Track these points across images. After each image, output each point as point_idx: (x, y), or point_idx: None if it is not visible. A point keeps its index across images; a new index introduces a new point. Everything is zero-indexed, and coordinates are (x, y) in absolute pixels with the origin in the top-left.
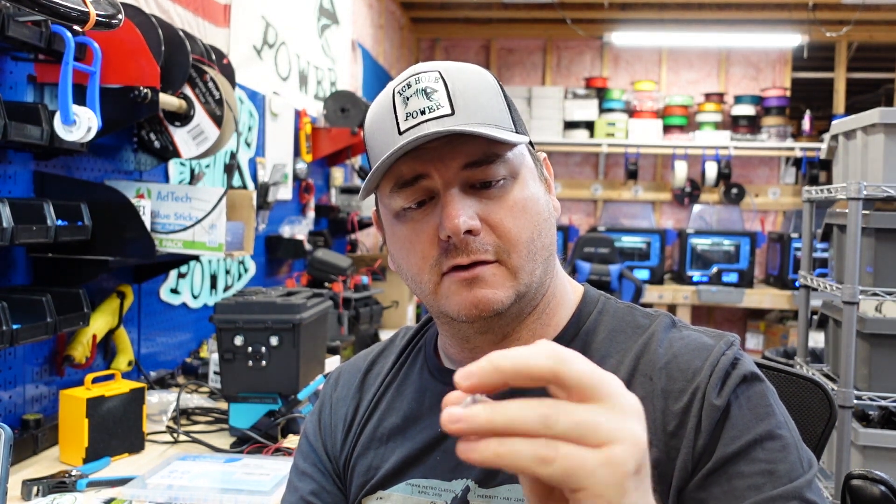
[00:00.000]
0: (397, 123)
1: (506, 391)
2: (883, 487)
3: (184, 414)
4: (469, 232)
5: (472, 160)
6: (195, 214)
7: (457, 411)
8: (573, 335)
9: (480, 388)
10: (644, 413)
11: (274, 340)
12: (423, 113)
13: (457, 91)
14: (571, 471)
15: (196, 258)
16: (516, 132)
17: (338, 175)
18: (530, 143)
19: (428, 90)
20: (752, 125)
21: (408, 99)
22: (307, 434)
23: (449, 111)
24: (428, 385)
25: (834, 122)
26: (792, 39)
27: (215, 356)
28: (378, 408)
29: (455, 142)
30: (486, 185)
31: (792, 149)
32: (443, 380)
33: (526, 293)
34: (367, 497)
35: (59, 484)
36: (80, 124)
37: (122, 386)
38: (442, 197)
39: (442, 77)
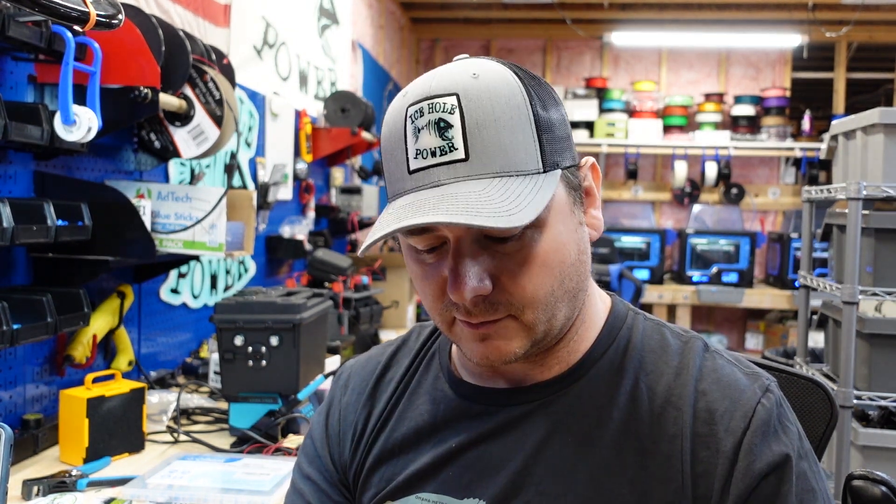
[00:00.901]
0: (407, 158)
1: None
2: (884, 488)
3: (184, 414)
4: (479, 295)
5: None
6: (195, 214)
7: None
8: (600, 355)
9: None
10: (672, 450)
11: (274, 340)
12: (433, 154)
13: (474, 125)
14: None
15: (196, 258)
16: (545, 166)
17: (338, 175)
18: (569, 165)
19: (442, 124)
20: (751, 125)
21: (419, 130)
22: (313, 437)
23: (462, 155)
24: (442, 397)
25: (834, 122)
26: (792, 39)
27: (215, 356)
28: (391, 418)
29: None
30: (502, 238)
31: (792, 149)
32: (459, 392)
33: (544, 338)
34: None
35: (60, 484)
36: (80, 124)
37: (122, 386)
38: (451, 250)
39: (460, 104)
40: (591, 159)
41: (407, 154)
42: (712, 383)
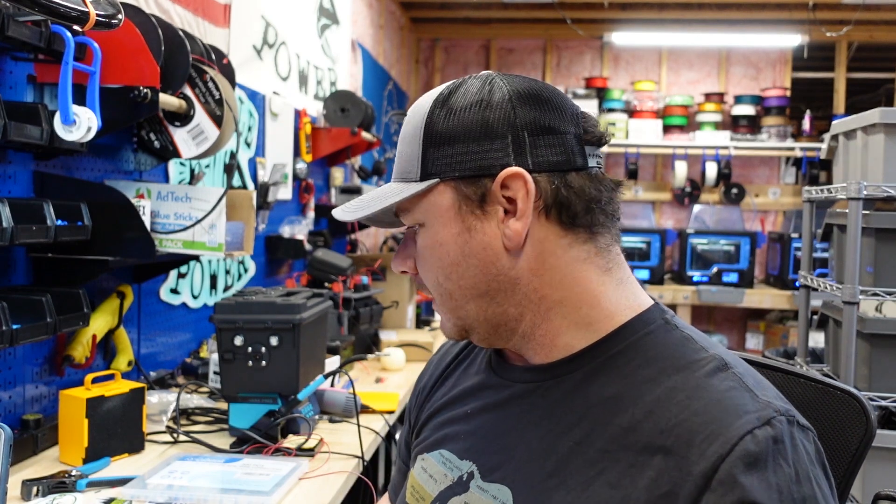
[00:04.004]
0: None
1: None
2: None
3: (184, 414)
4: (405, 272)
5: None
6: (195, 214)
7: None
8: (604, 352)
9: None
10: (636, 460)
11: (274, 340)
12: None
13: (401, 136)
14: None
15: (196, 258)
16: (422, 176)
17: (338, 175)
18: (464, 176)
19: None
20: (752, 125)
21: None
22: (414, 386)
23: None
24: (480, 369)
25: (834, 122)
26: (792, 39)
27: (215, 356)
28: (447, 381)
29: None
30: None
31: (792, 149)
32: (490, 365)
33: (470, 326)
34: (418, 455)
35: (59, 484)
36: (80, 124)
37: (121, 386)
38: None
39: (404, 118)
40: (511, 171)
41: None
42: (707, 403)
